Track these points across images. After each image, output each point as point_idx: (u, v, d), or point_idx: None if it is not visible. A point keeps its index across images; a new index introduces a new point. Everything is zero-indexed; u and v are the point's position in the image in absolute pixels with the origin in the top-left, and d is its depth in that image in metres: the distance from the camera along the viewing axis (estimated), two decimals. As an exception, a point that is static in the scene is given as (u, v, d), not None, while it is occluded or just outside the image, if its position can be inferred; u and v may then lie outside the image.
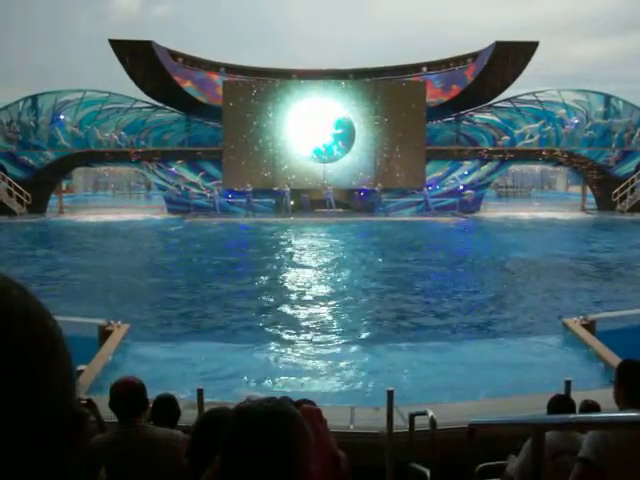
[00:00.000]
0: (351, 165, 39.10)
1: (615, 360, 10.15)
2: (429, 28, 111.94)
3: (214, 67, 40.47)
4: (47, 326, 0.75)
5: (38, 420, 0.71)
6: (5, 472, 0.68)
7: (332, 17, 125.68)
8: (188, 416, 5.20)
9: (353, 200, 39.89)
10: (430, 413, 5.69)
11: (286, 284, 19.73)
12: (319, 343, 13.43)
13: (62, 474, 0.76)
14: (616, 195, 39.74)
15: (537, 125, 40.51)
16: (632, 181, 39.73)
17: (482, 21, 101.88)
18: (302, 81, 39.46)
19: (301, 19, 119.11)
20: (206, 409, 5.97)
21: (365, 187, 39.09)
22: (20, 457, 0.70)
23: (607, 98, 40.78)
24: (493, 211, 40.01)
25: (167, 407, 4.72)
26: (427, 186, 39.25)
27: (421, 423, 5.96)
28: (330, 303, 17.05)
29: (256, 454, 1.50)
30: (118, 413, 3.93)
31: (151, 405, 4.42)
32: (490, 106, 40.82)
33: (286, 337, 13.92)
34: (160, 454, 3.68)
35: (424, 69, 40.76)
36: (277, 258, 24.65)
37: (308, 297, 17.83)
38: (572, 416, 4.21)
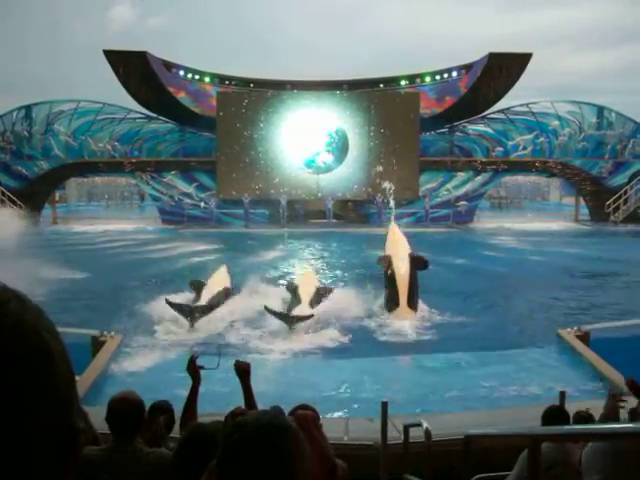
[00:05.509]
0: (345, 176, 39.10)
1: (609, 371, 10.15)
2: (423, 40, 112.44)
3: (209, 77, 40.54)
4: (43, 341, 0.73)
5: (27, 436, 0.70)
6: None
7: (327, 29, 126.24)
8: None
9: (347, 211, 39.90)
10: (425, 424, 5.67)
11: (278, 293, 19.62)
12: (311, 354, 13.38)
13: None
14: (609, 206, 39.87)
15: (530, 136, 40.66)
16: (625, 192, 39.90)
17: (477, 33, 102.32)
18: (295, 91, 39.54)
19: (296, 31, 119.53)
20: (200, 419, 5.93)
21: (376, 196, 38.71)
22: (11, 473, 0.68)
23: (600, 109, 40.97)
24: (487, 222, 40.01)
25: (162, 414, 4.69)
26: (422, 197, 39.32)
27: (416, 434, 5.94)
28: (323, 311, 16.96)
29: (253, 468, 1.49)
30: (113, 429, 3.82)
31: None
32: (483, 117, 40.96)
33: (277, 348, 13.81)
34: (147, 477, 3.57)
35: (418, 80, 40.91)
36: (274, 265, 24.58)
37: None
38: (568, 427, 4.19)
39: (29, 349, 0.71)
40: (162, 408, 4.78)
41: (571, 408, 5.41)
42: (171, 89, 39.12)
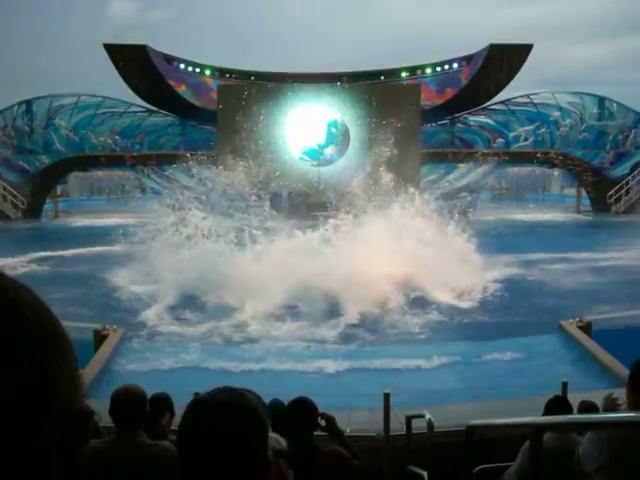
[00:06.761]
0: (346, 168, 39.02)
1: (611, 361, 10.16)
2: (424, 30, 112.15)
3: (209, 70, 40.49)
4: (56, 326, 0.76)
5: (47, 418, 0.72)
6: (13, 470, 0.68)
7: (330, 17, 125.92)
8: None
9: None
10: (427, 416, 5.67)
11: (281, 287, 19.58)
12: (313, 345, 13.39)
13: (68, 471, 0.76)
14: (611, 197, 39.77)
15: (532, 127, 40.56)
16: (627, 182, 39.80)
17: (478, 24, 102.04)
18: (296, 84, 39.44)
19: (299, 19, 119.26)
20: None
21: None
22: (27, 454, 0.70)
23: (601, 100, 40.85)
24: (488, 214, 39.83)
25: (163, 406, 4.69)
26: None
27: (418, 426, 5.95)
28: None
29: (206, 448, 1.43)
30: (116, 421, 3.82)
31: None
32: (484, 108, 40.87)
33: (280, 344, 13.79)
34: (150, 469, 3.57)
35: (418, 72, 40.84)
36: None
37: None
38: (571, 417, 4.19)
39: (48, 333, 0.74)
40: (162, 400, 4.78)
41: (573, 399, 5.41)
42: (172, 82, 39.08)
